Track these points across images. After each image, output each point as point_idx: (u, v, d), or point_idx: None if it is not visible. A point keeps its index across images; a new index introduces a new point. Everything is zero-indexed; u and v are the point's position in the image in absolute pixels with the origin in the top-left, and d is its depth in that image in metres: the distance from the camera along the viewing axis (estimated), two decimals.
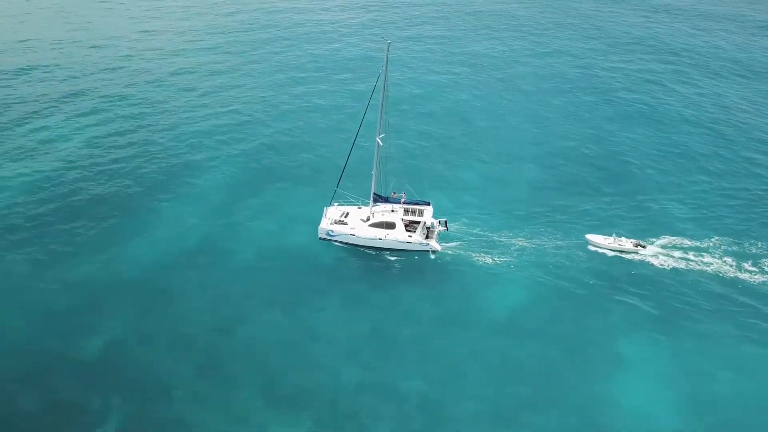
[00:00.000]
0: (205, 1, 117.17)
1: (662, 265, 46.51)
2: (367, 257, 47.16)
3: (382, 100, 43.30)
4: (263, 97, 74.58)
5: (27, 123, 63.51)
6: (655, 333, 39.80)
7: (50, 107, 67.50)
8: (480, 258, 46.12)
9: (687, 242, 49.01)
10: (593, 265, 46.32)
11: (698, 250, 47.75)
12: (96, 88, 73.69)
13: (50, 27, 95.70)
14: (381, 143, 45.06)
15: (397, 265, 46.32)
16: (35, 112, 66.13)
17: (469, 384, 35.87)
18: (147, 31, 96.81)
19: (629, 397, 35.14)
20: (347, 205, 49.99)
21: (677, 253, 47.67)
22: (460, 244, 47.79)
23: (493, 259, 45.99)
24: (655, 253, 48.00)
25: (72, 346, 36.89)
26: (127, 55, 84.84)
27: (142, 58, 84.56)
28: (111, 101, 70.34)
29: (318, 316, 40.67)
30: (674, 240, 49.36)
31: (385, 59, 41.88)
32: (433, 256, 46.77)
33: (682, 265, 46.25)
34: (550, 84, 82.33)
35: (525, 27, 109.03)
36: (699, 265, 46.14)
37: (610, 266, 46.40)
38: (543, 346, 38.62)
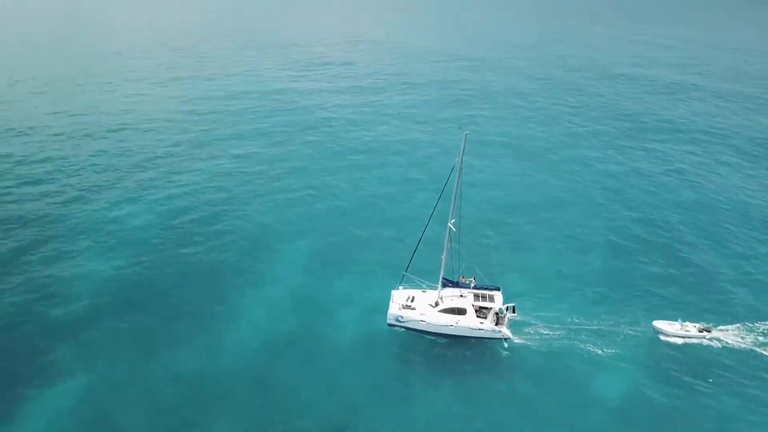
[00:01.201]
0: (234, 84, 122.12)
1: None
2: (448, 346, 46.53)
3: (457, 187, 44.43)
4: (328, 180, 75.85)
5: (104, 208, 64.32)
6: None
7: (122, 190, 68.85)
8: (558, 345, 45.85)
9: None
10: (668, 353, 45.89)
11: None
12: (163, 172, 74.95)
13: (99, 104, 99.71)
14: (453, 228, 45.82)
15: (479, 354, 45.65)
16: (107, 195, 67.33)
17: None
18: (192, 112, 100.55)
19: None
20: (412, 288, 50.14)
21: None
22: (534, 330, 47.55)
23: (571, 347, 45.67)
24: (737, 339, 47.50)
25: None
26: (180, 141, 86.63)
27: (198, 141, 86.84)
28: (180, 184, 71.60)
29: (428, 409, 40.16)
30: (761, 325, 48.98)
31: (462, 149, 43.35)
32: (506, 344, 46.39)
33: None
34: (612, 164, 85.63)
35: (557, 108, 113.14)
36: None
37: (685, 354, 45.92)
38: None
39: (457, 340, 46.93)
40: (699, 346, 46.75)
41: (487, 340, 46.71)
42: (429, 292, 49.92)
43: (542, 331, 47.46)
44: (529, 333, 47.36)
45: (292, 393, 40.85)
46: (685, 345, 46.96)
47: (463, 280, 48.77)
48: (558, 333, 47.15)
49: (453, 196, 44.74)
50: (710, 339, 47.39)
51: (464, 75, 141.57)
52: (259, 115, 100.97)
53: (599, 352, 45.47)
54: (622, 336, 47.33)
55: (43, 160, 75.34)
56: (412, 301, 48.63)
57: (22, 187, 67.76)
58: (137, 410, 38.67)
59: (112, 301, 49.53)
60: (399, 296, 48.98)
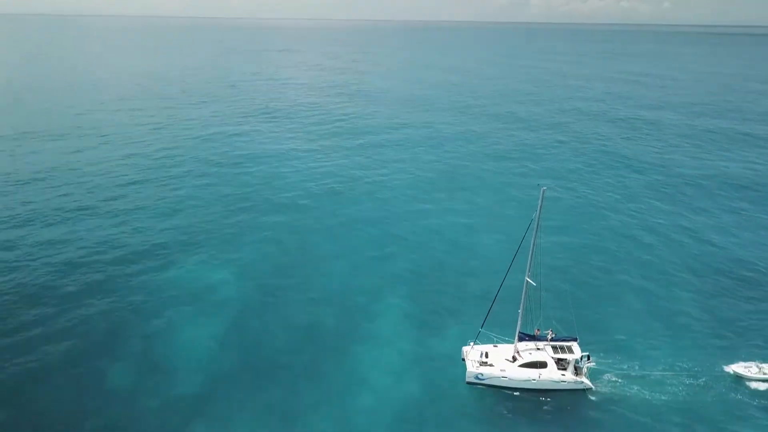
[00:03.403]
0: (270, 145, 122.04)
1: None
2: (531, 401, 45.72)
3: (534, 241, 44.63)
4: (400, 234, 75.47)
5: (188, 274, 63.37)
6: None
7: (197, 254, 68.04)
8: (638, 393, 45.48)
9: None
10: (750, 399, 45.62)
11: None
12: (232, 234, 74.21)
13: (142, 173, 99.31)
14: (532, 282, 45.69)
15: (563, 407, 44.87)
16: (184, 260, 66.45)
17: None
18: (247, 173, 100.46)
19: None
20: (483, 344, 49.53)
21: None
22: (613, 378, 47.16)
23: (652, 395, 45.29)
24: None
25: None
26: (245, 204, 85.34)
27: (264, 201, 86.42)
28: (253, 245, 71.14)
29: None
30: None
31: (539, 204, 43.76)
32: (588, 395, 45.82)
33: None
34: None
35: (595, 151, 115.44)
36: None
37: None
38: None
39: (538, 394, 46.18)
40: None
41: (568, 392, 46.03)
42: (501, 346, 49.44)
43: (620, 379, 47.07)
44: (608, 381, 46.98)
45: None
46: (764, 386, 46.72)
47: (538, 333, 48.34)
48: (637, 380, 46.87)
49: (530, 250, 44.84)
50: None
51: (483, 124, 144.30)
52: (313, 175, 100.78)
53: (679, 398, 45.21)
54: (701, 382, 47.02)
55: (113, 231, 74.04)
56: (486, 357, 47.99)
57: (112, 265, 65.97)
58: None
59: (228, 372, 48.25)
60: (472, 353, 48.35)
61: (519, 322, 47.20)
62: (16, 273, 62.40)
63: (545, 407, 45.10)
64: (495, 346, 49.60)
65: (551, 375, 46.07)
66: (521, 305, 46.66)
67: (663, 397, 45.19)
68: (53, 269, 63.63)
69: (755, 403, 45.15)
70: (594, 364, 47.45)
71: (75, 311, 55.76)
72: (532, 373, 46.15)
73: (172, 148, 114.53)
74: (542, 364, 46.36)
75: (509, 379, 46.33)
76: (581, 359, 46.86)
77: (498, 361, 47.49)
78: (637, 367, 48.39)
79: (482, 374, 46.55)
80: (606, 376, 47.51)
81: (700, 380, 47.23)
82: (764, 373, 47.57)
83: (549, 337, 47.87)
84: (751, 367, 48.19)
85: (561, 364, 46.85)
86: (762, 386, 46.87)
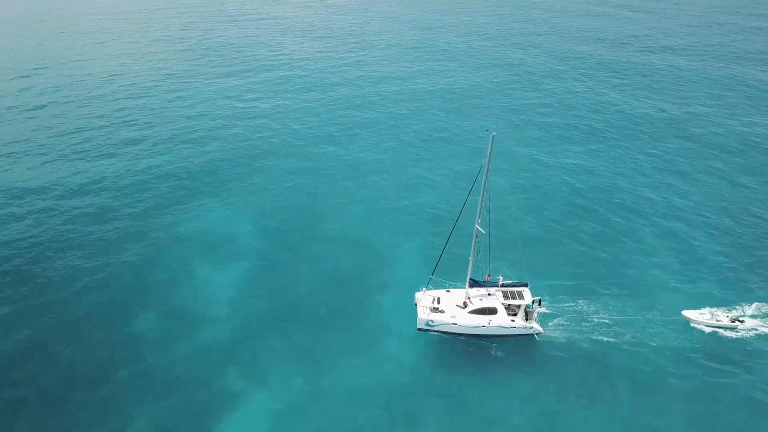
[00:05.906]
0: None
1: None
2: (481, 346, 46.22)
3: (484, 188, 43.63)
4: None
5: (200, 220, 63.24)
6: None
7: (205, 197, 67.78)
8: (588, 337, 46.11)
9: None
10: (699, 344, 45.95)
11: None
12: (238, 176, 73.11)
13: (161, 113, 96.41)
14: (481, 229, 45.00)
15: (513, 352, 45.43)
16: (193, 205, 66.39)
17: None
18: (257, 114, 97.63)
19: None
20: (435, 289, 49.46)
21: None
22: (563, 322, 47.58)
23: (601, 339, 46.01)
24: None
25: None
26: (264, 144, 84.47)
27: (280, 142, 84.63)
28: (263, 187, 70.65)
29: (486, 409, 40.59)
30: None
31: (489, 151, 42.46)
32: (537, 338, 46.16)
33: None
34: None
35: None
36: None
37: (717, 343, 46.01)
38: None
39: (488, 339, 46.60)
40: (730, 336, 46.79)
41: (518, 337, 46.35)
42: (453, 291, 49.45)
43: (571, 323, 47.46)
44: (558, 326, 47.43)
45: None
46: (714, 333, 46.92)
47: (489, 279, 48.13)
48: (587, 325, 47.41)
49: (480, 197, 43.92)
50: (742, 329, 47.32)
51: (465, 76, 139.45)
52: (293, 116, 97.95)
53: (625, 342, 45.89)
54: (651, 327, 47.44)
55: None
56: (438, 302, 47.99)
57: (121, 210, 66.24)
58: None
59: (255, 319, 49.11)
60: (424, 299, 48.34)
61: (470, 270, 46.90)
62: (36, 228, 62.36)
63: (494, 352, 45.55)
64: (447, 291, 49.60)
65: (501, 321, 46.23)
66: (471, 252, 46.21)
67: (610, 341, 45.83)
68: (75, 222, 63.67)
69: (699, 347, 45.67)
70: (545, 309, 47.64)
71: (100, 263, 56.24)
72: (482, 320, 46.28)
73: (184, 98, 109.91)
74: (492, 311, 46.45)
75: (459, 325, 46.50)
76: (533, 303, 46.97)
77: (449, 308, 47.51)
78: (588, 312, 48.67)
79: (433, 321, 46.69)
80: (556, 321, 47.89)
81: (650, 325, 47.65)
82: (717, 320, 47.72)
83: (500, 282, 47.70)
84: (704, 313, 48.36)
85: (511, 309, 46.94)
86: (708, 330, 47.20)
